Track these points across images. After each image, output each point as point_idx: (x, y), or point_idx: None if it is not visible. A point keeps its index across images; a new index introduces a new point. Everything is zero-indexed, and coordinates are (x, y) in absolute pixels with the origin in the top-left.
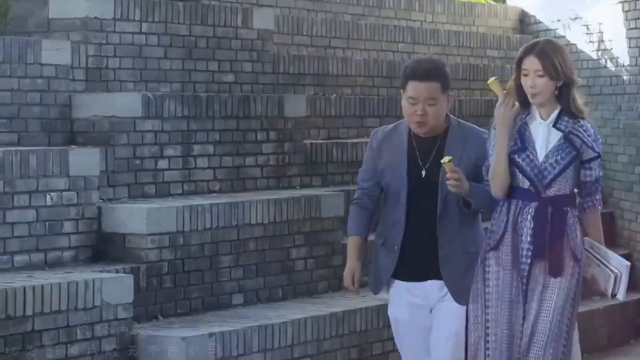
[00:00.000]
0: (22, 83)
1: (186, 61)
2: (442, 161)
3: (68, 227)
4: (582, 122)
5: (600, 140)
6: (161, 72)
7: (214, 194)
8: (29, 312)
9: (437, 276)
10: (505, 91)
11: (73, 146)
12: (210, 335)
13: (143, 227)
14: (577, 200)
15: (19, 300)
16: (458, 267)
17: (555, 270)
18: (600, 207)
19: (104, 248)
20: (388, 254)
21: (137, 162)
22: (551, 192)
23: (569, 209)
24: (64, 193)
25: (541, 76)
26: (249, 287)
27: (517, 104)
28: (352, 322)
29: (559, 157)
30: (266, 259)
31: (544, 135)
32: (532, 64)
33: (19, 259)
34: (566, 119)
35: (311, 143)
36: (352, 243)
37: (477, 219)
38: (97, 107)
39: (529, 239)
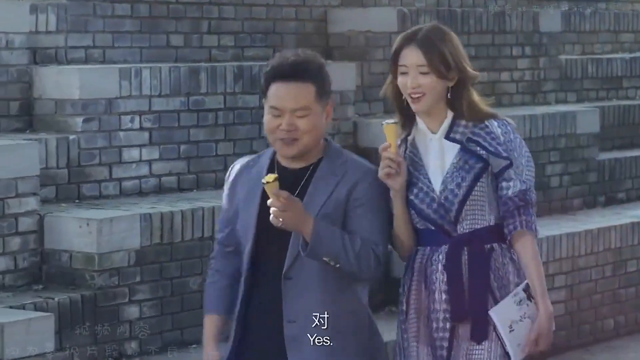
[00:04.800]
0: None
1: None
2: (262, 180)
3: None
4: (485, 122)
5: (520, 140)
6: None
7: None
8: None
9: None
10: (396, 147)
11: (329, 61)
12: None
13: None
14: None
15: None
16: (314, 352)
17: (478, 334)
18: (530, 230)
19: None
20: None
21: None
22: (464, 227)
23: (495, 245)
24: None
25: (425, 73)
26: None
27: (403, 165)
28: (607, 239)
29: (459, 179)
30: None
31: (436, 154)
32: (412, 57)
33: None
34: (463, 123)
35: (566, 59)
36: (206, 325)
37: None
38: (353, 22)
39: (444, 296)
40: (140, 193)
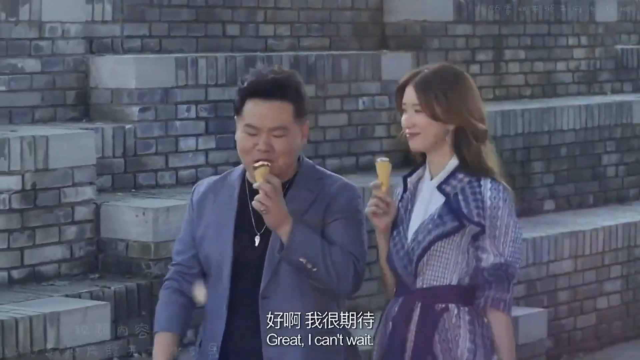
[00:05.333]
0: None
1: None
2: (255, 164)
3: (380, 131)
4: (482, 181)
5: (510, 210)
6: None
7: (525, 99)
8: None
9: None
10: (387, 187)
11: (385, 50)
12: (522, 241)
13: None
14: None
15: None
16: None
17: None
18: (497, 309)
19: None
20: (202, 359)
21: None
22: (424, 282)
23: (451, 306)
24: (376, 97)
25: (419, 112)
26: (560, 193)
27: (392, 206)
28: None
29: (426, 232)
30: (577, 165)
31: (423, 201)
32: (409, 95)
33: (330, 162)
34: (460, 177)
35: (622, 48)
36: (157, 344)
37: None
38: (409, 11)
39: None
40: (197, 182)
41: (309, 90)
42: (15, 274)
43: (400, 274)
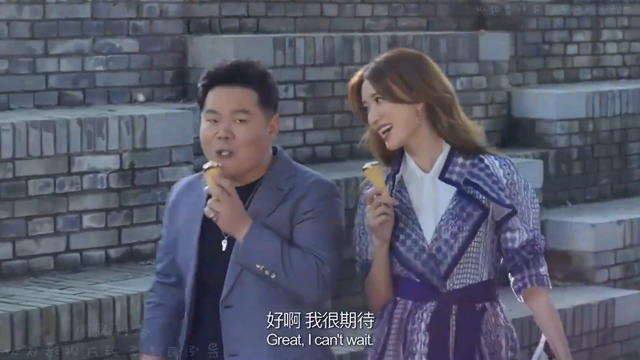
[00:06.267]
0: None
1: None
2: (204, 166)
3: (477, 111)
4: (485, 161)
5: (524, 181)
6: None
7: (623, 80)
8: None
9: None
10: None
11: (482, 31)
12: (619, 222)
13: (553, 113)
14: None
15: None
16: None
17: None
18: (542, 286)
19: (512, 133)
20: None
21: (546, 47)
22: (455, 283)
23: (487, 305)
24: (474, 78)
25: (380, 99)
26: None
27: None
28: None
29: (455, 228)
30: None
31: (429, 197)
32: (366, 89)
33: None
34: (460, 161)
35: None
36: None
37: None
38: None
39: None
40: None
41: None
42: (113, 253)
43: (428, 278)
